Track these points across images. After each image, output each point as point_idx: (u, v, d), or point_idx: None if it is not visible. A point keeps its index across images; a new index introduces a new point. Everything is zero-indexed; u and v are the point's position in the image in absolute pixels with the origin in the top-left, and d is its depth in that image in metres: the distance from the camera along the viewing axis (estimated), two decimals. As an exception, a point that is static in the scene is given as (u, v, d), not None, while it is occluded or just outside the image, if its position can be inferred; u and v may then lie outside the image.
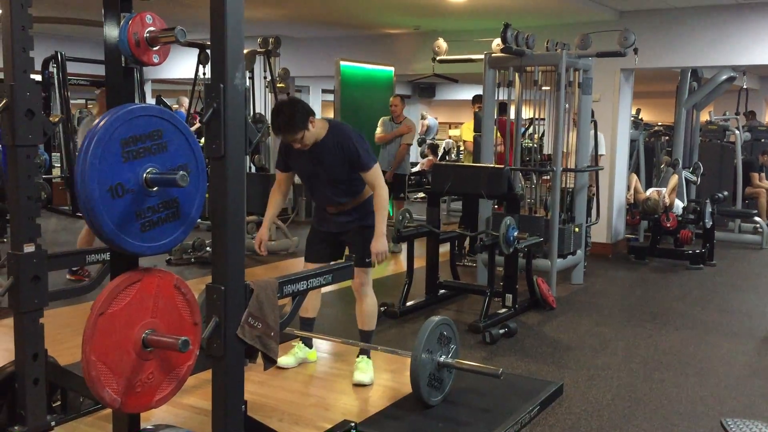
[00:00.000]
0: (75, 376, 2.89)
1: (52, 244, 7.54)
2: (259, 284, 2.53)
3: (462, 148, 17.51)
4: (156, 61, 2.06)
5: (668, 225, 7.51)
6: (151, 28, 2.03)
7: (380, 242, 3.55)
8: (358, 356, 3.78)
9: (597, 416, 3.56)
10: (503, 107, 6.95)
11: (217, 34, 2.22)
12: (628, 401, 3.77)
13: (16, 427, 2.83)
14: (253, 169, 8.03)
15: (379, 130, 7.84)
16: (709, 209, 7.56)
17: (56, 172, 10.71)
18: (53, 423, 2.93)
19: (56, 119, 6.89)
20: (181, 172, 1.99)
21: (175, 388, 2.19)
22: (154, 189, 2.02)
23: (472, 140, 7.78)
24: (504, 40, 5.82)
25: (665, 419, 3.55)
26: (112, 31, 2.05)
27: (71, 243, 7.78)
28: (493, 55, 6.29)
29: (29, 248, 2.78)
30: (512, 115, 6.49)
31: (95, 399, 2.09)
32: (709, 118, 10.46)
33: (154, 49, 2.05)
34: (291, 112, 3.36)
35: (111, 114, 1.93)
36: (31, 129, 2.72)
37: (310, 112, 3.43)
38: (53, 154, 10.88)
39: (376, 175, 3.54)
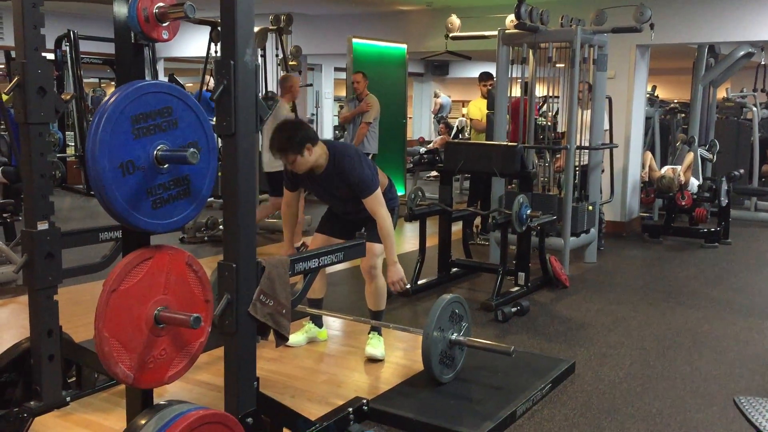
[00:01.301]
0: (90, 352, 2.92)
1: (66, 221, 7.61)
2: (270, 262, 2.54)
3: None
4: (165, 37, 2.05)
5: (683, 203, 7.45)
6: (160, 4, 2.01)
7: (394, 270, 3.53)
8: (369, 333, 3.80)
9: (609, 394, 3.56)
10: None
11: (227, 11, 2.21)
12: (640, 379, 3.77)
13: (31, 403, 2.87)
14: (266, 148, 8.02)
15: (344, 109, 7.76)
16: (724, 187, 7.49)
17: (70, 150, 10.76)
18: (68, 398, 2.97)
19: (68, 97, 6.91)
20: (191, 149, 1.98)
21: (187, 365, 2.20)
22: (165, 166, 2.02)
23: (478, 118, 7.71)
24: (518, 16, 5.75)
25: (678, 397, 3.54)
26: (121, 8, 2.04)
27: (85, 221, 7.85)
28: (506, 31, 6.22)
29: (43, 226, 2.80)
30: (523, 93, 6.42)
31: (109, 375, 2.11)
32: (726, 95, 10.32)
33: (164, 25, 2.04)
34: (290, 134, 3.33)
35: (121, 91, 1.93)
36: (43, 107, 2.73)
37: (311, 139, 3.36)
38: (67, 132, 10.93)
39: (375, 201, 3.48)
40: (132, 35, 2.05)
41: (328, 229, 3.83)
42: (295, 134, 3.34)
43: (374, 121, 7.58)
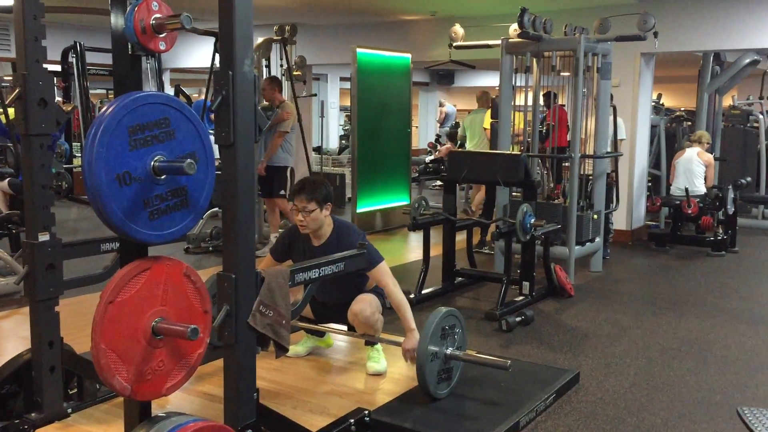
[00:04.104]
0: (91, 364, 2.90)
1: (73, 233, 7.63)
2: (270, 272, 2.53)
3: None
4: (162, 48, 2.05)
5: (689, 211, 7.40)
6: (157, 15, 2.01)
7: (413, 337, 3.40)
8: (366, 345, 3.74)
9: (613, 404, 3.53)
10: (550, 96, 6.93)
11: (225, 21, 2.21)
12: (645, 389, 3.73)
13: (32, 414, 2.87)
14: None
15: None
16: (731, 195, 7.45)
17: (78, 161, 10.81)
18: (70, 410, 2.97)
19: (69, 108, 6.92)
20: (188, 159, 1.98)
21: (185, 376, 2.19)
22: (162, 177, 2.01)
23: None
24: (521, 25, 5.75)
25: (683, 407, 3.51)
26: (118, 19, 2.04)
27: (91, 232, 7.87)
28: (510, 40, 6.22)
29: (44, 237, 2.80)
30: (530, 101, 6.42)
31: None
32: (732, 103, 10.29)
33: (161, 36, 2.04)
34: (318, 185, 3.44)
35: (118, 102, 1.93)
36: (44, 118, 2.75)
37: (331, 199, 3.46)
38: (74, 143, 10.99)
39: (383, 272, 3.43)
40: (129, 46, 2.05)
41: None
42: (323, 186, 3.44)
43: (291, 131, 6.89)
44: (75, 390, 3.17)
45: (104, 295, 1.96)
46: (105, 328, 1.94)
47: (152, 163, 1.99)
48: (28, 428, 2.83)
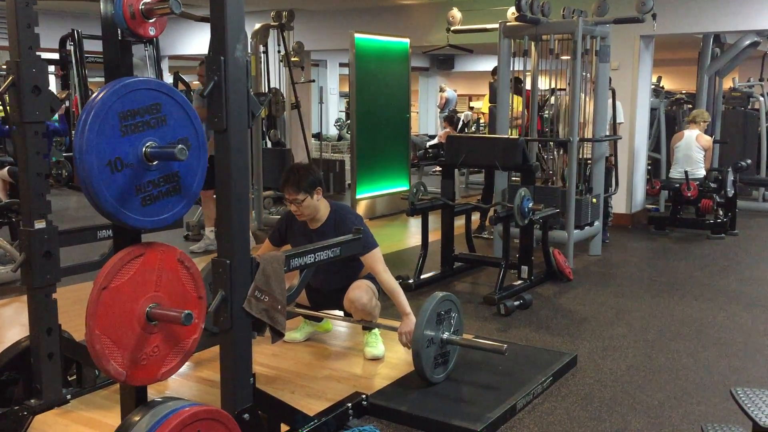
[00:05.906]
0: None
1: (73, 221, 7.63)
2: (265, 258, 2.54)
3: (482, 121, 17.40)
4: (152, 33, 2.04)
5: (689, 194, 7.39)
6: (146, 0, 2.01)
7: (406, 324, 3.42)
8: (364, 330, 3.76)
9: (610, 386, 3.54)
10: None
11: (216, 5, 2.21)
12: (642, 371, 3.75)
13: (32, 401, 2.89)
14: (269, 144, 8.03)
15: (195, 103, 6.56)
16: (731, 177, 7.43)
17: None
18: (69, 396, 2.99)
19: (63, 95, 6.89)
20: (180, 145, 1.98)
21: (180, 361, 2.20)
22: (154, 163, 2.02)
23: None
24: (518, 8, 5.72)
25: (679, 389, 3.52)
26: (107, 5, 2.04)
27: (92, 220, 7.87)
28: (508, 24, 6.19)
29: (40, 224, 2.81)
30: (528, 86, 6.40)
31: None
32: (732, 85, 10.25)
33: (150, 21, 2.03)
34: (303, 173, 3.43)
35: (108, 88, 1.93)
36: (38, 106, 2.74)
37: (320, 182, 3.48)
38: (74, 132, 10.96)
39: (375, 259, 3.41)
40: (119, 32, 2.04)
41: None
42: (308, 174, 3.43)
43: None
44: (74, 377, 3.19)
45: (98, 281, 1.97)
46: (99, 314, 1.95)
47: (144, 149, 1.99)
48: (27, 414, 2.85)
